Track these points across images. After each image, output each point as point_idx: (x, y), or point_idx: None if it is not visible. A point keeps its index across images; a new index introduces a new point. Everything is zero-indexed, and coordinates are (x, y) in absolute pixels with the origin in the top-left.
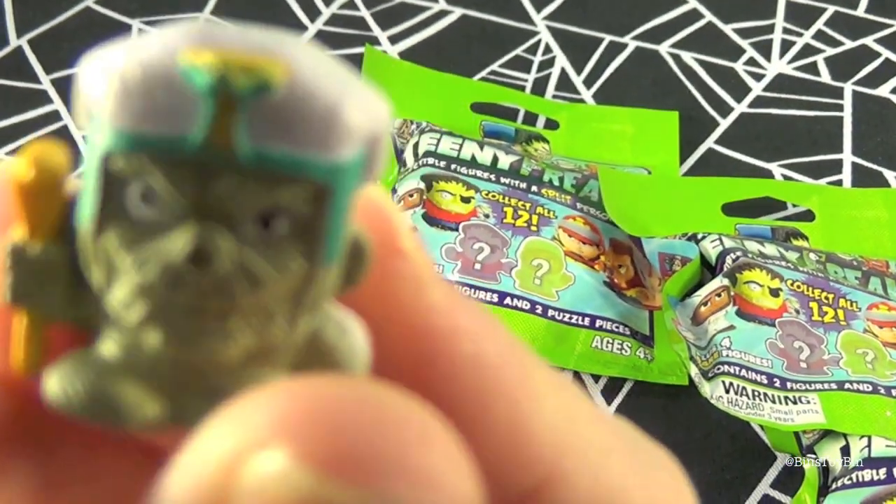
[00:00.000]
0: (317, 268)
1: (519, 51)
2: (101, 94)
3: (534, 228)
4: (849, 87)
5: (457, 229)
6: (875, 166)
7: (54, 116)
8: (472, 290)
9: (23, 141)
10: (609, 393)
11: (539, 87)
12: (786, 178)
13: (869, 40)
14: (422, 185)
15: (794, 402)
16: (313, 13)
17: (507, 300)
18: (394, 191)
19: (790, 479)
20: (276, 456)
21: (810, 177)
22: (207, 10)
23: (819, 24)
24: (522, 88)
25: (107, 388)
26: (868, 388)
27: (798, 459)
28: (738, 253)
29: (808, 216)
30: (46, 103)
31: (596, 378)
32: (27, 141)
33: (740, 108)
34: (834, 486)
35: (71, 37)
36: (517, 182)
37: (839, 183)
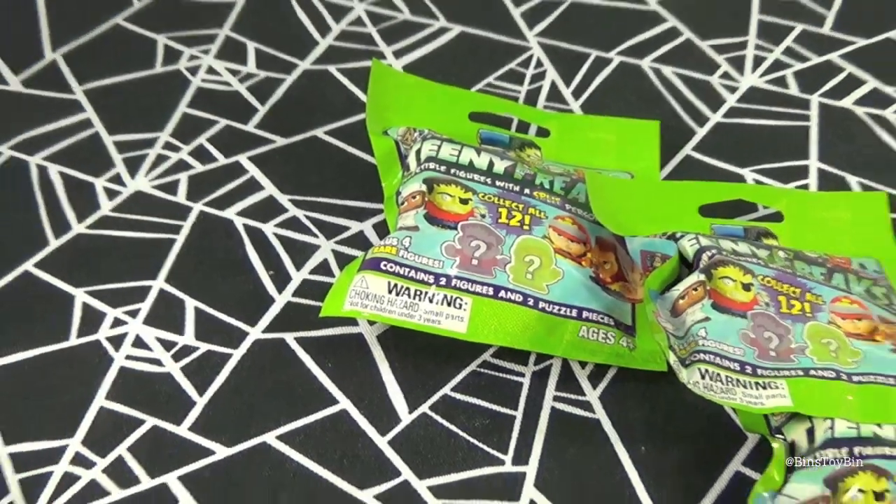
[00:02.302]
0: None
1: (513, 65)
2: None
3: (526, 228)
4: (815, 99)
5: (456, 228)
6: (839, 171)
7: (86, 124)
8: (471, 284)
9: (57, 147)
10: (595, 379)
11: (531, 98)
12: (757, 182)
13: (834, 56)
14: (424, 188)
15: (764, 388)
16: (324, 29)
17: (502, 293)
18: (398, 193)
19: (760, 458)
20: None
21: (779, 181)
22: (227, 27)
23: (788, 41)
24: (516, 99)
25: None
26: (832, 374)
27: (770, 439)
28: (714, 251)
29: (777, 217)
30: (79, 111)
31: (583, 365)
32: (61, 147)
33: (716, 118)
34: (800, 464)
35: (102, 51)
36: (511, 185)
37: (806, 187)
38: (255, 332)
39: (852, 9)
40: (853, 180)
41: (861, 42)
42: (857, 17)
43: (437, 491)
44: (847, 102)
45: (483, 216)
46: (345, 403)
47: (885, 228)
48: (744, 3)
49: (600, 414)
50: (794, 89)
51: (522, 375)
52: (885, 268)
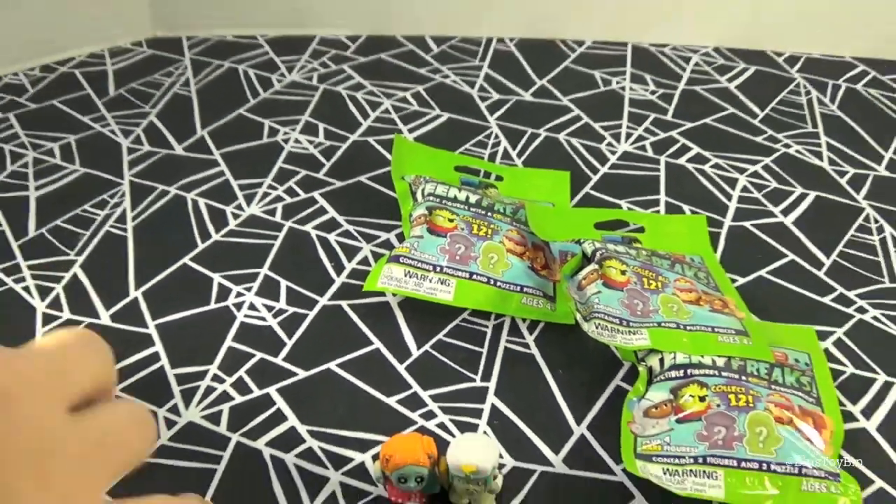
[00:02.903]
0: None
1: (480, 137)
2: None
3: (489, 236)
4: (663, 159)
5: (446, 236)
6: (677, 203)
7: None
8: (455, 271)
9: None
10: (531, 329)
11: (492, 157)
12: (629, 209)
13: (673, 133)
14: (426, 212)
15: (633, 334)
16: (365, 115)
17: (474, 277)
18: (410, 215)
19: (631, 377)
20: None
21: (642, 208)
22: (307, 113)
23: (646, 124)
24: (483, 157)
25: None
26: (674, 325)
27: (637, 365)
28: (603, 250)
29: (641, 230)
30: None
31: (524, 321)
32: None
33: (604, 169)
34: (655, 380)
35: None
36: (479, 210)
37: (658, 211)
38: (323, 300)
39: (683, 106)
40: (686, 208)
41: (688, 125)
42: (685, 111)
43: (435, 397)
44: (682, 161)
45: (462, 229)
46: (377, 344)
47: (704, 237)
48: (619, 102)
49: (534, 350)
50: (650, 152)
51: (486, 327)
52: (705, 260)
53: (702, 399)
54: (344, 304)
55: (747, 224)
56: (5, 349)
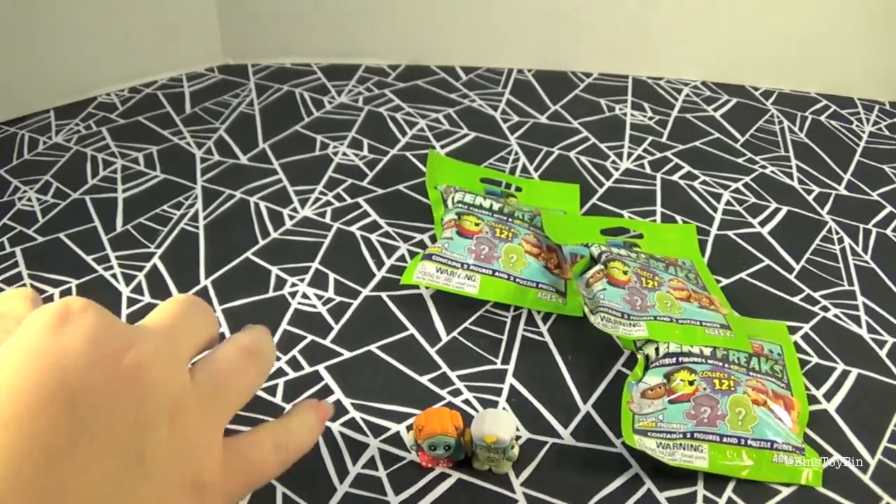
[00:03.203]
0: None
1: (503, 153)
2: None
3: (509, 239)
4: (659, 175)
5: (472, 238)
6: (671, 213)
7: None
8: (479, 268)
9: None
10: (545, 320)
11: (513, 171)
12: (630, 217)
13: (668, 153)
14: (456, 217)
15: (633, 326)
16: (403, 133)
17: (496, 274)
18: (442, 219)
19: (630, 363)
20: None
21: (640, 217)
22: (353, 130)
23: (644, 145)
24: (504, 171)
25: None
26: (668, 319)
27: (636, 353)
28: (608, 253)
29: (640, 236)
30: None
31: (539, 312)
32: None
33: (609, 183)
34: (651, 366)
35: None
36: (501, 216)
37: (655, 220)
38: (366, 291)
39: (676, 130)
40: (679, 218)
41: (680, 147)
42: (678, 134)
43: (461, 377)
44: (675, 177)
45: (487, 233)
46: (412, 330)
47: (694, 244)
48: (621, 126)
49: (547, 338)
50: (648, 170)
51: (506, 317)
52: (694, 264)
53: (690, 383)
54: (384, 294)
55: (730, 233)
56: (129, 327)
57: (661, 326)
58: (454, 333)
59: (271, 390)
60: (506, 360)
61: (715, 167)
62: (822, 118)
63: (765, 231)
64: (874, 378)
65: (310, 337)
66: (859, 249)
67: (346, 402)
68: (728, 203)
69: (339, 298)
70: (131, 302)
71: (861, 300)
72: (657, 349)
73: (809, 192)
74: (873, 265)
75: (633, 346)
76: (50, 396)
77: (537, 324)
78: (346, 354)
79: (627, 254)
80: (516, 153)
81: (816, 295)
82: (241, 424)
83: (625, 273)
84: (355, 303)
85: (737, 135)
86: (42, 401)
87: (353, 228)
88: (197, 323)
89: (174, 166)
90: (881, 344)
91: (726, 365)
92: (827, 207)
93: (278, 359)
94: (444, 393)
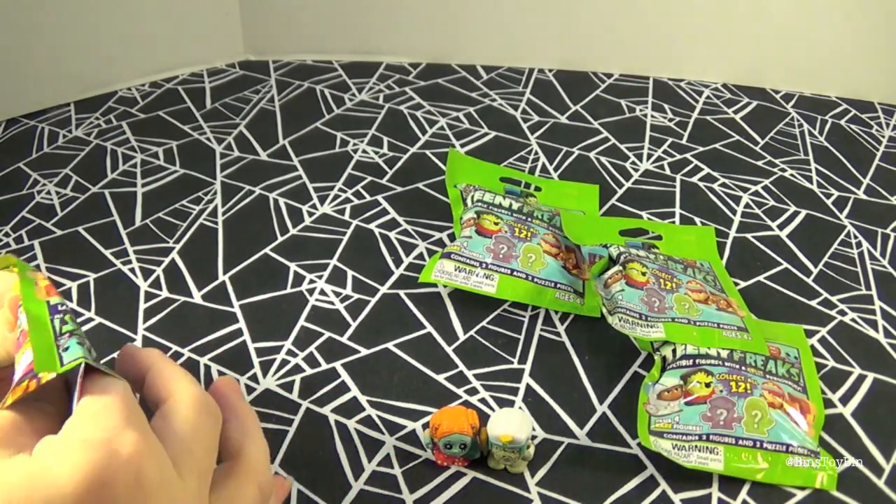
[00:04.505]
0: None
1: (523, 152)
2: None
3: (528, 238)
4: (678, 177)
5: (491, 238)
6: (690, 215)
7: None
8: (498, 267)
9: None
10: (562, 320)
11: (532, 171)
12: (649, 219)
13: (687, 155)
14: (475, 216)
15: (651, 327)
16: (423, 131)
17: (515, 273)
18: (461, 218)
19: (647, 364)
20: None
21: (659, 219)
22: (374, 128)
23: (664, 146)
24: (524, 170)
25: None
26: (686, 321)
27: (653, 354)
28: (626, 254)
29: (659, 238)
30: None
31: (556, 312)
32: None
33: (628, 184)
34: (668, 368)
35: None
36: (521, 216)
37: (673, 222)
38: (383, 289)
39: (696, 132)
40: (697, 220)
41: (700, 148)
42: (698, 136)
43: (478, 376)
44: (695, 179)
45: (506, 232)
46: (429, 328)
47: (712, 246)
48: (641, 127)
49: (565, 339)
50: (668, 171)
51: (524, 317)
52: (713, 266)
53: (707, 385)
54: (401, 292)
55: (749, 236)
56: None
57: (679, 328)
58: (471, 332)
59: (288, 387)
60: (523, 360)
61: (734, 169)
62: (842, 122)
63: (783, 234)
64: (890, 383)
65: (327, 334)
66: (877, 254)
67: (363, 399)
68: (747, 206)
69: (356, 296)
70: (149, 296)
71: (878, 304)
72: (674, 351)
73: (828, 195)
74: (891, 269)
75: (650, 347)
76: None
77: (555, 324)
78: (364, 352)
79: (646, 255)
80: (536, 153)
81: (834, 299)
82: (265, 422)
83: (643, 274)
84: (373, 300)
85: (757, 137)
86: None
87: (372, 226)
88: (216, 439)
89: (194, 161)
90: None
91: (743, 367)
92: (846, 211)
93: (295, 355)
94: (460, 392)
